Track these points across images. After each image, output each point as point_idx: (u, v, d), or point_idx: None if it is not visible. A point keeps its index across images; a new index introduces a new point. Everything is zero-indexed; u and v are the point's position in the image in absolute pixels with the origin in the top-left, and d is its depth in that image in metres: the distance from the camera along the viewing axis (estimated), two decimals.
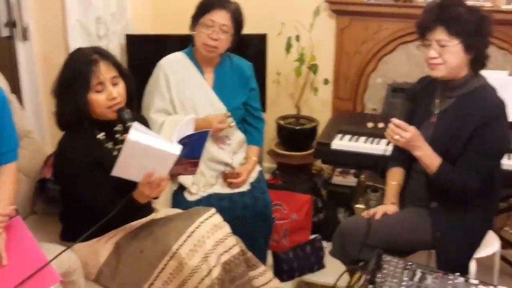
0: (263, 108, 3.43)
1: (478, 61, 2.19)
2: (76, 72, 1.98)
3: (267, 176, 3.63)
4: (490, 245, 2.34)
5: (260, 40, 3.42)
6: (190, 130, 2.03)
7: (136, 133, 1.81)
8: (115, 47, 3.17)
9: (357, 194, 3.46)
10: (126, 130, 1.96)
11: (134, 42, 3.26)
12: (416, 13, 2.32)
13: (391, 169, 2.44)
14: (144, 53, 3.16)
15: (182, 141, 1.89)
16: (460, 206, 2.22)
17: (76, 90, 1.98)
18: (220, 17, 2.56)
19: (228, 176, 2.73)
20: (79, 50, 2.09)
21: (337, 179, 3.54)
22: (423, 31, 2.22)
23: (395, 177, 2.41)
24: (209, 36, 2.57)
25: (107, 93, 2.01)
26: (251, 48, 3.41)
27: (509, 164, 2.62)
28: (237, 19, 2.63)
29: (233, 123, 2.65)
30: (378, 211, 2.27)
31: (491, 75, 2.36)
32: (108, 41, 3.08)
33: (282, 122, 3.66)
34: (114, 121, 2.10)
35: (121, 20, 3.20)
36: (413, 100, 2.33)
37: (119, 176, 1.90)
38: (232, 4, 2.63)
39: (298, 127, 3.62)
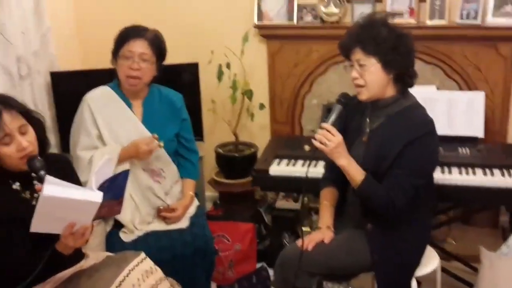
0: (201, 137, 3.38)
1: (401, 79, 2.18)
2: None
3: (209, 206, 3.56)
4: (430, 261, 2.34)
5: (192, 69, 3.37)
6: (109, 172, 1.94)
7: (50, 187, 1.69)
8: (40, 85, 3.05)
9: (301, 217, 3.42)
10: (39, 178, 1.85)
11: (60, 80, 3.14)
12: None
13: (323, 190, 2.42)
14: (71, 90, 3.02)
15: (102, 186, 1.80)
16: (395, 226, 2.20)
17: None
18: (138, 46, 2.52)
19: (162, 211, 2.64)
20: None
21: (281, 203, 3.49)
22: (345, 53, 2.23)
23: (327, 197, 2.39)
24: (130, 67, 2.52)
25: (16, 144, 1.87)
26: (183, 77, 3.36)
27: (444, 178, 2.63)
28: (157, 46, 2.58)
29: (162, 143, 2.55)
30: (311, 241, 2.21)
31: (420, 90, 2.37)
32: (31, 80, 2.95)
33: (221, 150, 3.59)
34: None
35: (44, 58, 3.08)
36: (346, 107, 2.26)
37: (39, 232, 1.79)
38: (149, 32, 2.58)
39: (237, 154, 3.56)
